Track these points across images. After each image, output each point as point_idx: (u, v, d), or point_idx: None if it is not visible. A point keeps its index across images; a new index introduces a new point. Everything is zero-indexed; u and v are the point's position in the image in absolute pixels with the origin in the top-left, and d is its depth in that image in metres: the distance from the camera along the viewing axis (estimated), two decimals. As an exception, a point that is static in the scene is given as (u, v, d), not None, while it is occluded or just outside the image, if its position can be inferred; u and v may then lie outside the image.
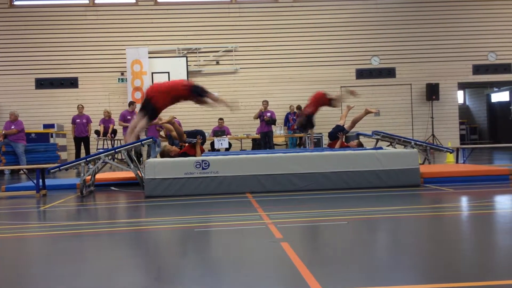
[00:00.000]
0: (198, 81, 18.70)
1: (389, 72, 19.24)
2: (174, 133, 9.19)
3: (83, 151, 15.09)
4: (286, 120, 17.84)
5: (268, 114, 15.41)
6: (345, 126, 10.30)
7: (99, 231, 5.28)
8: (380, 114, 19.06)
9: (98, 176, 9.33)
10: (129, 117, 14.63)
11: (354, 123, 10.33)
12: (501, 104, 23.36)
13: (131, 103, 15.17)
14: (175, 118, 14.93)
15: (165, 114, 15.92)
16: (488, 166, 9.89)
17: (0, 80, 18.32)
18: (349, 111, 11.45)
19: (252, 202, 6.75)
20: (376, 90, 19.10)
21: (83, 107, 15.54)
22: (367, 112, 10.53)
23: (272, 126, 15.67)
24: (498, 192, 7.18)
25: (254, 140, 17.45)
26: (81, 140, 15.08)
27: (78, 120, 15.15)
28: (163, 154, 8.49)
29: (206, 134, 15.10)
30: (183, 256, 4.06)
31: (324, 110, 18.59)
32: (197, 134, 8.84)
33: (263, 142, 15.42)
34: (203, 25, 18.76)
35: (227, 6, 18.95)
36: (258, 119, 15.58)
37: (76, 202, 7.55)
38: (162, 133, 14.53)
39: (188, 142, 8.90)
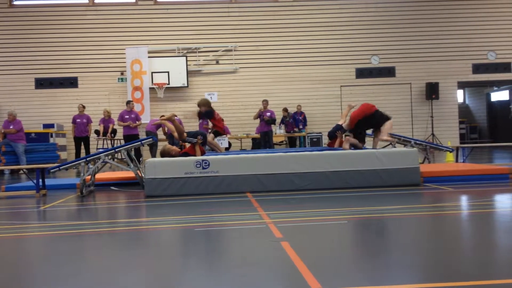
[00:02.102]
0: (198, 80, 18.79)
1: (389, 71, 19.25)
2: (175, 134, 9.18)
3: (83, 151, 15.10)
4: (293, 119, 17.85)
5: (268, 113, 15.38)
6: (344, 125, 10.28)
7: (99, 231, 5.28)
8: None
9: (98, 176, 9.33)
10: (126, 117, 14.63)
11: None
12: (501, 103, 23.37)
13: (128, 102, 15.17)
14: (176, 116, 14.92)
15: (166, 112, 15.95)
16: (488, 165, 9.89)
17: (0, 80, 18.32)
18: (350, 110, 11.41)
19: (252, 201, 6.75)
20: (376, 90, 19.10)
21: (83, 106, 15.52)
22: (349, 107, 10.50)
23: (272, 125, 15.66)
24: (498, 191, 7.18)
25: (254, 139, 17.47)
26: (81, 140, 15.07)
27: (78, 120, 15.13)
28: (164, 153, 8.49)
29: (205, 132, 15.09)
30: (183, 256, 4.06)
31: (323, 110, 18.70)
32: (198, 134, 8.84)
33: (263, 141, 15.41)
34: (203, 24, 18.77)
35: (227, 6, 18.95)
36: (258, 118, 15.56)
37: (76, 202, 7.55)
38: (160, 129, 14.59)
39: (189, 142, 8.90)
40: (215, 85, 18.83)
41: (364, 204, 6.40)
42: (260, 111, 15.53)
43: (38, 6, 18.70)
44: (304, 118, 17.81)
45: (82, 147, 15.13)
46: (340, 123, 10.51)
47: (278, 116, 16.98)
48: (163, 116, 11.55)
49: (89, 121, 15.26)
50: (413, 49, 19.28)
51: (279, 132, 16.94)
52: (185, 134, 8.95)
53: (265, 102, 15.75)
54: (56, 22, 18.52)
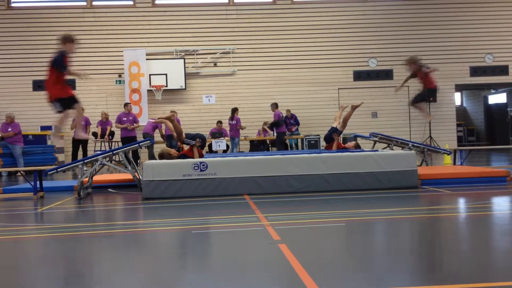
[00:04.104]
0: (196, 82, 18.77)
1: (386, 74, 19.27)
2: (174, 133, 9.17)
3: (80, 153, 15.08)
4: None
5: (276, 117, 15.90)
6: (338, 127, 10.33)
7: (97, 233, 5.27)
8: (377, 116, 19.09)
9: (95, 178, 9.32)
10: (124, 119, 14.63)
11: (344, 122, 10.37)
12: (498, 106, 23.42)
13: (126, 104, 15.17)
14: (175, 113, 15.00)
15: (166, 110, 15.92)
16: (485, 167, 9.91)
17: (-2, 82, 18.30)
18: (343, 111, 11.41)
19: (250, 203, 6.75)
20: (373, 92, 19.12)
21: (83, 109, 15.48)
22: (354, 108, 10.54)
23: (280, 127, 15.97)
24: (495, 194, 7.19)
25: (251, 141, 17.49)
26: (80, 142, 15.05)
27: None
28: (162, 156, 8.48)
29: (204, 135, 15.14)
30: (181, 258, 4.06)
31: (321, 113, 18.71)
32: (197, 137, 8.84)
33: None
34: (201, 26, 18.77)
35: (225, 8, 18.97)
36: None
37: (74, 204, 7.54)
38: (157, 131, 14.75)
39: (187, 144, 8.89)
40: (213, 88, 18.82)
41: (362, 206, 6.40)
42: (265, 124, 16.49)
43: (36, 8, 18.68)
44: (296, 120, 17.78)
45: (80, 149, 15.11)
46: (334, 125, 10.55)
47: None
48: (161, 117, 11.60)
49: (87, 123, 15.24)
50: (411, 52, 19.23)
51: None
52: (183, 135, 8.94)
53: (272, 106, 16.13)
54: (54, 24, 18.49)
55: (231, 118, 16.13)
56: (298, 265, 3.51)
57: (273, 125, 15.80)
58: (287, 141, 17.93)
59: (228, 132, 16.69)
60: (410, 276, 3.36)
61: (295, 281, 3.20)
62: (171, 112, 15.76)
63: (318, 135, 17.06)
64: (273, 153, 10.00)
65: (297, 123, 17.57)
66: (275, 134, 16.11)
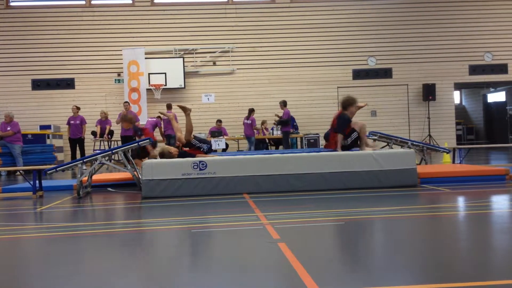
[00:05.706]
0: (195, 81, 18.76)
1: (385, 73, 19.28)
2: (179, 134, 9.13)
3: (78, 152, 15.09)
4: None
5: (282, 115, 15.95)
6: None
7: (96, 232, 5.27)
8: (377, 114, 19.10)
9: (95, 177, 9.31)
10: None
11: None
12: (497, 104, 23.44)
13: (124, 103, 15.23)
14: (171, 104, 15.00)
15: (165, 109, 15.93)
16: (484, 166, 9.91)
17: (-3, 81, 18.29)
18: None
19: (249, 202, 6.75)
20: (372, 91, 19.14)
21: (77, 108, 15.50)
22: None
23: (286, 127, 16.03)
24: (495, 192, 7.20)
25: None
26: (76, 141, 15.05)
27: (72, 122, 15.13)
28: (163, 154, 8.48)
29: (203, 134, 15.18)
30: (180, 257, 4.06)
31: (320, 112, 18.72)
32: (206, 143, 8.90)
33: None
34: (200, 25, 18.77)
35: (224, 7, 18.96)
36: None
37: (73, 203, 7.54)
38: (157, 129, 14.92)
39: (194, 144, 8.85)
40: (212, 87, 18.82)
41: (361, 205, 6.40)
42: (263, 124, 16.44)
43: (35, 7, 18.67)
44: (293, 122, 17.78)
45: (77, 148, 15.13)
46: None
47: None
48: (163, 114, 11.73)
49: (83, 122, 15.24)
50: (410, 51, 19.33)
51: (276, 134, 17.00)
52: (192, 136, 8.94)
53: (280, 104, 16.17)
54: (53, 23, 18.50)
55: (247, 118, 16.25)
56: (298, 264, 3.51)
57: (281, 123, 15.84)
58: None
59: (226, 131, 16.73)
60: (410, 274, 3.37)
61: (295, 280, 3.20)
62: (167, 104, 15.86)
63: (317, 134, 17.07)
64: (272, 152, 10.00)
65: (294, 127, 17.44)
66: (281, 133, 16.10)
